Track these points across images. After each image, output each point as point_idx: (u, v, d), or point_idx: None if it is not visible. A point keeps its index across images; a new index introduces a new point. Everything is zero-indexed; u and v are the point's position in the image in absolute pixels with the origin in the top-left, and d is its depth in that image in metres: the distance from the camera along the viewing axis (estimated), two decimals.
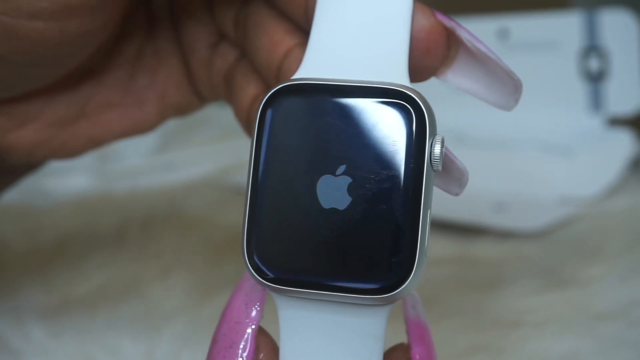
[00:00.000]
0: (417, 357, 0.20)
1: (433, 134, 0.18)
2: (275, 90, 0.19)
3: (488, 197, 0.49)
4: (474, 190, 0.52)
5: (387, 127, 0.18)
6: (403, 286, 0.18)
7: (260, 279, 0.19)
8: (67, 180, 0.58)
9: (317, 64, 0.19)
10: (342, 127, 0.18)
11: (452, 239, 0.44)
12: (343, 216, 0.18)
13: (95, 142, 0.28)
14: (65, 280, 0.39)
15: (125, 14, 0.26)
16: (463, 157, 0.63)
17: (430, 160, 0.18)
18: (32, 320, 0.35)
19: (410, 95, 0.18)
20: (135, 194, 0.54)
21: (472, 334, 0.32)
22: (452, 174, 0.20)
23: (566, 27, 0.54)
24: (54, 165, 0.62)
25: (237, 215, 0.50)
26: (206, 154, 0.65)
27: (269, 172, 0.18)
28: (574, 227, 0.44)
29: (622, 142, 0.51)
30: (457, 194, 0.21)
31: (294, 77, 0.19)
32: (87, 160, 0.63)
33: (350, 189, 0.18)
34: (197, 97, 0.29)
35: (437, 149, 0.18)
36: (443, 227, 0.45)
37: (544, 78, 0.56)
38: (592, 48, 0.53)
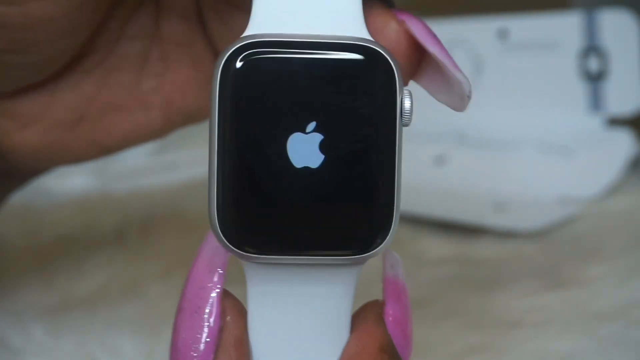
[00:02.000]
0: (391, 313, 0.20)
1: (402, 88, 0.18)
2: (235, 49, 0.18)
3: (488, 197, 0.49)
4: (474, 190, 0.52)
5: (357, 83, 0.17)
6: (384, 243, 0.18)
7: (230, 245, 0.18)
8: (67, 180, 0.58)
9: (268, 19, 0.18)
10: (309, 84, 0.17)
11: (452, 239, 0.44)
12: (316, 175, 0.17)
13: (100, 147, 0.28)
14: (65, 280, 0.39)
15: (106, 3, 0.25)
16: (463, 157, 0.63)
17: (401, 115, 0.18)
18: (32, 320, 0.35)
19: (378, 50, 0.18)
20: (135, 194, 0.54)
21: (472, 334, 0.32)
22: (453, 87, 0.20)
23: (566, 27, 0.54)
24: None
25: None
26: (206, 154, 0.65)
27: (234, 133, 0.18)
28: (574, 227, 0.44)
29: (622, 142, 0.51)
30: (461, 109, 0.21)
31: (246, 33, 0.18)
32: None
33: (323, 147, 0.18)
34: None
35: (407, 103, 0.18)
36: (443, 227, 0.45)
37: (544, 78, 0.56)
38: (592, 48, 0.53)
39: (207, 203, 0.18)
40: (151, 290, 0.38)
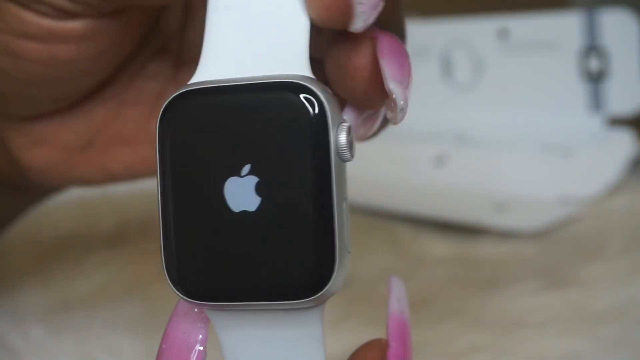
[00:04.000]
0: (394, 357, 0.19)
1: (337, 123, 0.17)
2: (172, 98, 0.18)
3: (488, 197, 0.49)
4: (474, 190, 0.52)
5: (288, 122, 0.17)
6: (327, 286, 0.17)
7: (188, 298, 0.18)
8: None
9: (214, 65, 0.18)
10: (243, 126, 0.17)
11: (452, 239, 0.44)
12: (255, 218, 0.17)
13: (107, 173, 0.28)
14: (65, 280, 0.39)
15: (128, 50, 0.26)
16: (463, 157, 0.63)
17: (337, 151, 0.17)
18: (32, 320, 0.35)
19: (307, 86, 0.17)
20: (135, 194, 0.54)
21: (472, 334, 0.32)
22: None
23: (566, 27, 0.54)
24: None
25: None
26: None
27: (176, 183, 0.18)
28: (574, 227, 0.44)
29: (622, 142, 0.51)
30: (394, 123, 0.20)
31: (191, 81, 0.18)
32: None
33: (258, 189, 0.17)
34: None
35: (342, 139, 0.17)
36: (443, 227, 0.45)
37: (544, 78, 0.56)
38: (592, 48, 0.53)
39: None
40: (151, 290, 0.38)
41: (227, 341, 0.18)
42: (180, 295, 0.18)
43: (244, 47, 0.18)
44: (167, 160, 0.18)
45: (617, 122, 0.53)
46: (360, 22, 0.18)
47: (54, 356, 0.32)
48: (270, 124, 0.17)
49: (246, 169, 0.17)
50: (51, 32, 0.23)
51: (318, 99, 0.17)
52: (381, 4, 0.19)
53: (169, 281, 0.18)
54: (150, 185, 0.61)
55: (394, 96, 0.19)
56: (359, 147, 0.19)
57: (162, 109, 0.18)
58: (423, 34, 0.62)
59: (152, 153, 0.27)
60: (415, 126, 0.61)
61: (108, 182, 0.28)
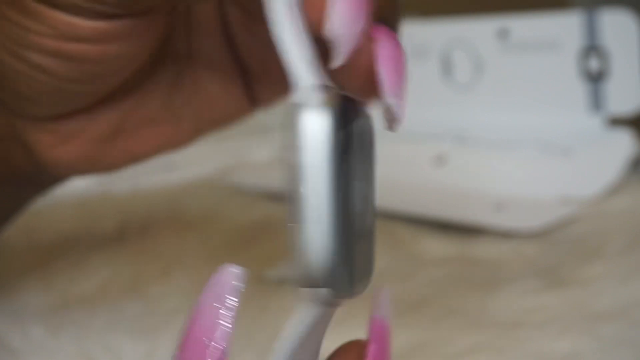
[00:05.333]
0: (372, 355, 0.19)
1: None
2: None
3: (488, 197, 0.49)
4: (474, 190, 0.52)
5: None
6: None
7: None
8: (67, 180, 0.58)
9: None
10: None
11: (452, 239, 0.44)
12: None
13: (134, 157, 0.29)
14: (65, 280, 0.39)
15: (162, 41, 0.27)
16: (463, 157, 0.63)
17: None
18: (32, 320, 0.35)
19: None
20: (135, 194, 0.54)
21: (472, 334, 0.32)
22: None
23: (566, 27, 0.54)
24: None
25: (237, 215, 0.50)
26: (206, 154, 0.65)
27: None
28: (574, 227, 0.44)
29: (622, 142, 0.51)
30: (390, 130, 0.20)
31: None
32: None
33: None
34: (241, 106, 0.30)
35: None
36: (443, 227, 0.45)
37: (544, 78, 0.56)
38: (592, 48, 0.53)
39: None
40: (151, 290, 0.38)
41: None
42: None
43: None
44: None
45: (617, 122, 0.53)
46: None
47: (54, 356, 0.32)
48: None
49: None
50: (101, 32, 0.24)
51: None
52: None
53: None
54: (151, 185, 0.61)
55: (391, 110, 0.19)
56: None
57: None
58: (423, 34, 0.62)
59: (176, 129, 0.29)
60: (415, 126, 0.61)
61: (132, 164, 0.30)
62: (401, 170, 0.54)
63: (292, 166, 0.17)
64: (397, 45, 0.20)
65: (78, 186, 0.57)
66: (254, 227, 0.47)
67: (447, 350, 0.31)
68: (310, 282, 0.17)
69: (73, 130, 0.28)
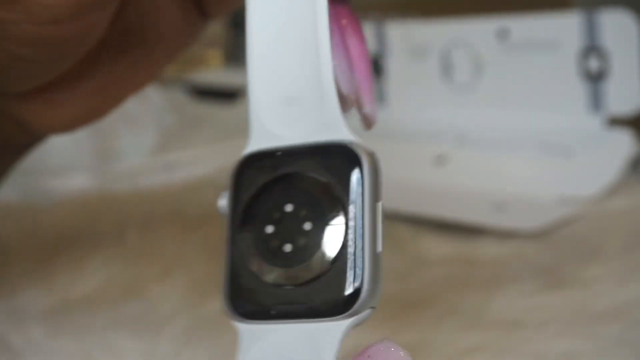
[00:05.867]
0: None
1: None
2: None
3: (488, 197, 0.49)
4: (474, 190, 0.52)
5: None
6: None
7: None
8: (67, 180, 0.58)
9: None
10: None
11: (452, 239, 0.44)
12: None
13: (121, 101, 0.31)
14: (65, 280, 0.39)
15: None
16: (463, 157, 0.63)
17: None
18: (32, 320, 0.35)
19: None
20: (135, 194, 0.54)
21: (472, 334, 0.32)
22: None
23: (566, 27, 0.54)
24: (54, 165, 0.62)
25: None
26: (206, 154, 0.65)
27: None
28: (574, 227, 0.44)
29: (622, 142, 0.51)
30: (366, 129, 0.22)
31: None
32: (87, 160, 0.63)
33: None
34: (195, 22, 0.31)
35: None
36: (443, 227, 0.45)
37: (544, 78, 0.56)
38: (592, 48, 0.53)
39: None
40: (151, 291, 0.38)
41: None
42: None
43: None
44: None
45: (616, 122, 0.53)
46: None
47: (54, 356, 0.32)
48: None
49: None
50: (74, 5, 0.24)
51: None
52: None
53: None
54: (151, 185, 0.61)
55: (368, 116, 0.21)
56: None
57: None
58: (423, 34, 0.62)
59: (148, 63, 0.30)
60: (415, 126, 0.61)
61: (117, 106, 0.31)
62: (401, 170, 0.54)
63: (351, 198, 0.19)
64: (361, 37, 0.21)
65: (78, 186, 0.57)
66: None
67: (447, 350, 0.31)
68: (367, 302, 0.19)
69: (60, 96, 0.28)
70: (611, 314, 0.33)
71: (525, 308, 0.35)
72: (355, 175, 0.19)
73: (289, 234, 0.20)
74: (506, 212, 0.47)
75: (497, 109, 0.58)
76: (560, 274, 0.38)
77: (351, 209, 0.19)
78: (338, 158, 0.19)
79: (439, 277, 0.39)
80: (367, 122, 0.21)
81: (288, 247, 0.20)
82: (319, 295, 0.19)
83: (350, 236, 0.19)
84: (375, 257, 0.19)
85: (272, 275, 0.20)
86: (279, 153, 0.20)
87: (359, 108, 0.21)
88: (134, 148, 0.66)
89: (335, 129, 0.20)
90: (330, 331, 0.19)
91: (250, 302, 0.20)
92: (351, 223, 0.19)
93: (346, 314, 0.19)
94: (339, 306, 0.19)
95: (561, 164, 0.52)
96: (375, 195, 0.19)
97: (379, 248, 0.19)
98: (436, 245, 0.43)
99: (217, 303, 0.36)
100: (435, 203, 0.49)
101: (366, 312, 0.19)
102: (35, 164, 0.61)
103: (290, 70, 0.21)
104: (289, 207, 0.20)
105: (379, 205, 0.19)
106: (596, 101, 0.53)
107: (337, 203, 0.19)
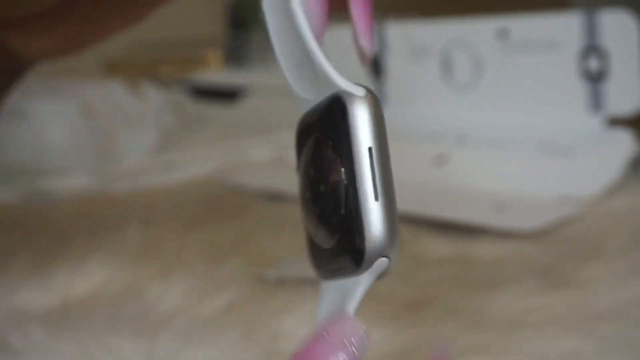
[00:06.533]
0: None
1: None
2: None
3: (488, 197, 0.49)
4: (474, 190, 0.52)
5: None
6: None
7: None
8: (67, 180, 0.58)
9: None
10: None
11: (452, 239, 0.44)
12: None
13: (97, 37, 0.31)
14: (65, 280, 0.39)
15: None
16: (463, 157, 0.63)
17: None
18: (32, 320, 0.35)
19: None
20: (135, 194, 0.54)
21: (472, 334, 0.32)
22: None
23: (566, 27, 0.54)
24: (54, 165, 0.62)
25: (237, 215, 0.50)
26: (206, 154, 0.65)
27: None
28: (574, 227, 0.44)
29: (622, 142, 0.51)
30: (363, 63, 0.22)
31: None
32: (87, 160, 0.63)
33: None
34: None
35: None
36: (443, 227, 0.45)
37: (544, 78, 0.56)
38: (592, 48, 0.53)
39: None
40: (151, 290, 0.38)
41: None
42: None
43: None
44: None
45: (617, 122, 0.53)
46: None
47: (54, 356, 0.32)
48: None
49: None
50: None
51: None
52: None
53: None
54: (151, 185, 0.61)
55: (363, 49, 0.21)
56: None
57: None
58: (423, 34, 0.62)
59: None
60: (415, 126, 0.61)
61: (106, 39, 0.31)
62: (401, 170, 0.54)
63: (343, 151, 0.19)
64: None
65: (78, 186, 0.57)
66: (253, 227, 0.47)
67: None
68: (375, 254, 0.19)
69: (42, 27, 0.29)
70: (611, 314, 0.33)
71: (525, 308, 0.35)
72: (341, 126, 0.19)
73: (313, 199, 0.20)
74: (506, 212, 0.47)
75: (497, 109, 0.58)
76: (560, 274, 0.38)
77: (345, 163, 0.19)
78: (332, 112, 0.19)
79: (439, 277, 0.39)
80: (362, 56, 0.21)
81: (316, 211, 0.20)
82: (341, 257, 0.20)
83: (349, 192, 0.19)
84: (378, 207, 0.20)
85: (314, 240, 0.21)
86: (303, 117, 0.21)
87: (355, 41, 0.21)
88: (134, 148, 0.66)
89: (329, 84, 0.20)
90: (351, 286, 0.20)
91: (314, 264, 0.21)
92: (344, 178, 0.19)
93: (360, 269, 0.19)
94: (353, 263, 0.19)
95: (561, 164, 0.52)
96: (377, 139, 0.19)
97: (377, 198, 0.20)
98: (436, 245, 0.43)
99: (217, 303, 0.36)
100: (435, 203, 0.49)
101: (381, 264, 0.20)
102: (35, 164, 0.61)
103: (291, 42, 0.21)
104: (311, 171, 0.20)
105: (380, 148, 0.19)
106: (596, 101, 0.53)
107: (335, 160, 0.19)
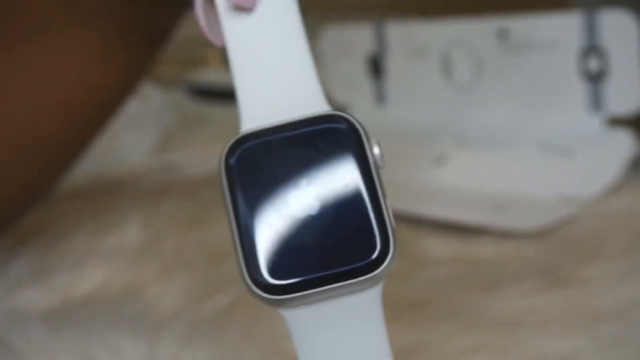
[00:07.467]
0: None
1: (368, 139, 0.22)
2: (232, 143, 0.22)
3: (488, 197, 0.49)
4: (474, 190, 0.52)
5: (333, 145, 0.22)
6: (386, 261, 0.21)
7: (266, 295, 0.21)
8: (67, 180, 0.58)
9: (254, 117, 0.23)
10: (296, 153, 0.22)
11: (452, 239, 0.44)
12: (318, 219, 0.21)
13: None
14: (65, 280, 0.39)
15: None
16: (463, 157, 0.63)
17: (374, 159, 0.22)
18: (32, 320, 0.35)
19: (341, 115, 0.22)
20: (135, 194, 0.54)
21: (472, 334, 0.32)
22: None
23: (566, 27, 0.54)
24: None
25: None
26: (206, 154, 0.65)
27: (247, 205, 0.22)
28: (574, 227, 0.44)
29: (622, 142, 0.51)
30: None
31: (241, 129, 0.23)
32: (87, 160, 0.63)
33: (317, 196, 0.21)
34: None
35: (376, 150, 0.22)
36: (443, 227, 0.45)
37: (544, 78, 0.56)
38: (592, 48, 0.53)
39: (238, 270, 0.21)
40: (151, 290, 0.38)
41: (301, 338, 0.21)
42: (262, 295, 0.21)
43: (274, 98, 0.23)
44: (236, 188, 0.22)
45: (616, 122, 0.53)
46: None
47: (55, 356, 0.32)
48: (320, 149, 0.22)
49: (305, 183, 0.21)
50: None
51: (352, 124, 0.22)
52: None
53: (252, 286, 0.21)
54: (151, 186, 0.61)
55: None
56: None
57: (224, 153, 0.22)
58: (423, 34, 0.62)
59: None
60: (415, 126, 0.61)
61: None
62: (401, 170, 0.54)
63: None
64: None
65: (78, 186, 0.57)
66: None
67: (447, 350, 0.31)
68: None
69: None
70: (611, 314, 0.33)
71: (525, 308, 0.35)
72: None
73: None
74: (506, 212, 0.47)
75: (497, 109, 0.58)
76: (560, 274, 0.38)
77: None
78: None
79: (439, 277, 0.39)
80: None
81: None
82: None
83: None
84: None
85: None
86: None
87: None
88: (134, 148, 0.66)
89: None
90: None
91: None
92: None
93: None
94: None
95: (561, 164, 0.52)
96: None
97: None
98: (436, 245, 0.43)
99: (217, 303, 0.36)
100: (435, 203, 0.49)
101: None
102: None
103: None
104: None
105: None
106: (596, 101, 0.53)
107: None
